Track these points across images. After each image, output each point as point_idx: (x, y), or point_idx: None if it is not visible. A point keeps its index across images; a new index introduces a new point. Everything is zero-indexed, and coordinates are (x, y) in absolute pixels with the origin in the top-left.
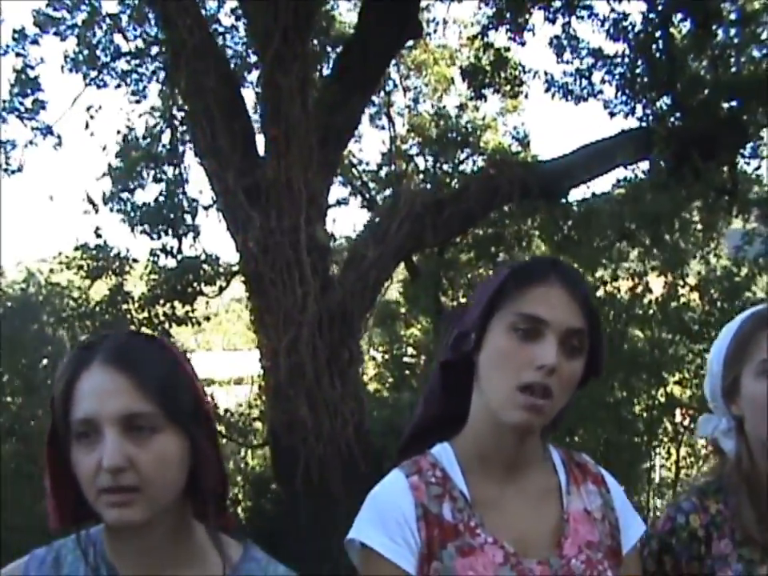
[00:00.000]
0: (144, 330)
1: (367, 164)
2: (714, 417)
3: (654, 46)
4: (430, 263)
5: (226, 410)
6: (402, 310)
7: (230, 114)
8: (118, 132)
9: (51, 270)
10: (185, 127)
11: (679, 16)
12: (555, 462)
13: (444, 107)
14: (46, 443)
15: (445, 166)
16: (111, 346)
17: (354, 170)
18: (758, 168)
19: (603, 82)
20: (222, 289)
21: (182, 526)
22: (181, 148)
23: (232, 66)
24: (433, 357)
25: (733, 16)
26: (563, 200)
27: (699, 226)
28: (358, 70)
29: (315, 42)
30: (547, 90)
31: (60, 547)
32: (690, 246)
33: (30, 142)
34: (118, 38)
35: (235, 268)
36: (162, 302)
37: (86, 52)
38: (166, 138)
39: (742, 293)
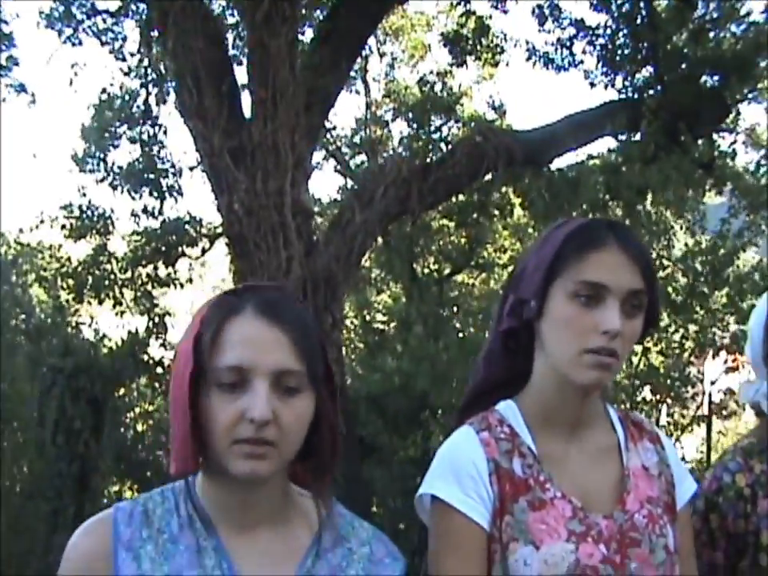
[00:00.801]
0: (126, 290)
1: (342, 129)
2: (755, 381)
3: (636, 18)
4: (403, 229)
5: None
6: (373, 276)
7: (217, 74)
8: (104, 91)
9: (21, 230)
10: (160, 87)
11: None
12: (613, 420)
13: (431, 72)
14: (186, 387)
15: (421, 133)
16: (261, 298)
17: (328, 134)
18: (734, 143)
19: (584, 52)
20: (204, 251)
21: (283, 484)
22: (156, 109)
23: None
24: (404, 324)
25: None
26: (547, 169)
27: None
28: (343, 33)
29: (302, 3)
30: (528, 59)
31: (146, 501)
32: (676, 219)
33: (3, 100)
34: None
35: (219, 230)
36: (144, 263)
37: (61, 9)
38: (141, 98)
39: (726, 267)
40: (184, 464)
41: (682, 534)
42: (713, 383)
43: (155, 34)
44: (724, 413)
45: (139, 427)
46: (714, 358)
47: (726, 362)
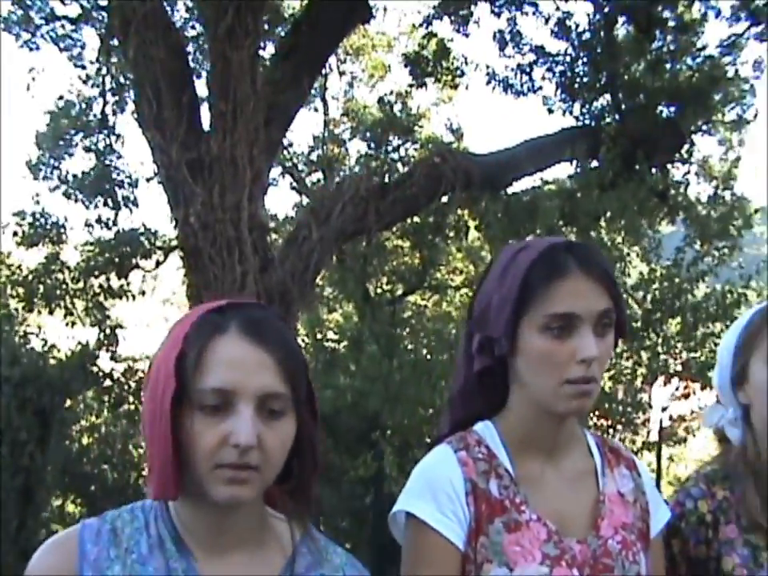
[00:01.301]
0: (78, 301)
1: (299, 146)
2: (719, 407)
3: (596, 47)
4: (357, 248)
5: None
6: (326, 294)
7: (177, 86)
8: (60, 98)
9: None
10: (117, 97)
11: (622, 19)
12: (590, 445)
13: (391, 92)
14: (169, 408)
15: (379, 152)
16: (246, 316)
17: (285, 151)
18: (687, 173)
19: (543, 78)
20: (158, 263)
21: (258, 507)
22: (112, 118)
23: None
24: (356, 343)
25: (672, 23)
26: (504, 192)
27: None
28: (305, 50)
29: (265, 18)
30: (488, 83)
31: (114, 519)
32: (630, 247)
33: None
34: (54, 2)
35: (174, 243)
36: (97, 273)
37: (19, 12)
38: (98, 106)
39: (682, 295)
40: (163, 489)
41: (656, 562)
42: (664, 410)
43: (115, 42)
44: (674, 439)
45: (84, 440)
46: (665, 384)
47: (677, 389)
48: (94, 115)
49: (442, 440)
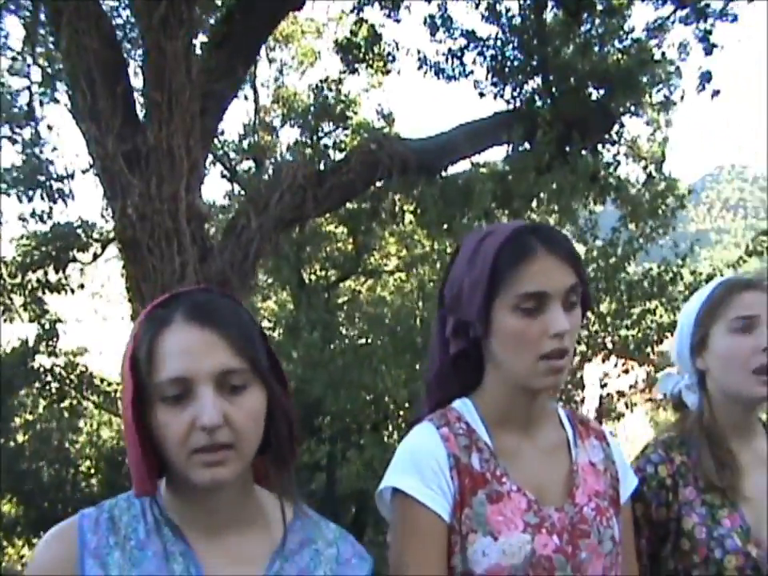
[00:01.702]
0: (15, 296)
1: (230, 134)
2: (674, 375)
3: (526, 31)
4: (291, 236)
5: (102, 379)
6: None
7: (111, 76)
8: None
9: None
10: (46, 87)
11: (552, 3)
12: (562, 418)
13: (326, 79)
14: (130, 408)
15: (311, 139)
16: (190, 303)
17: (215, 139)
18: (617, 154)
19: (474, 62)
20: (96, 256)
21: (247, 485)
22: (39, 110)
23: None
24: (293, 330)
25: (600, 7)
26: (440, 177)
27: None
28: (239, 38)
29: (198, 7)
30: (419, 68)
31: (112, 508)
32: (563, 227)
33: None
34: None
35: (111, 235)
36: (34, 268)
37: None
38: (24, 98)
39: (617, 273)
40: (142, 485)
41: (626, 527)
42: (603, 386)
43: (42, 32)
44: (612, 415)
45: (20, 438)
46: (603, 362)
47: (615, 365)
48: (20, 107)
49: (421, 420)
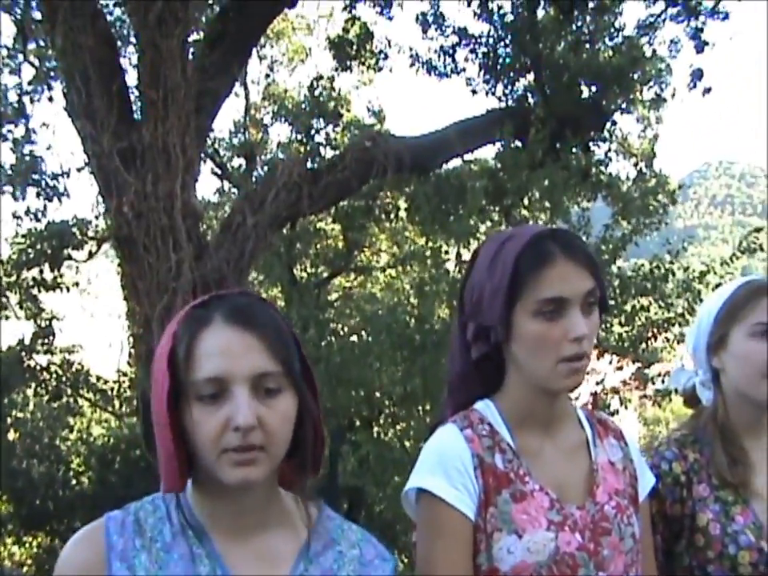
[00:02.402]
0: (11, 294)
1: (220, 131)
2: (686, 370)
3: (519, 28)
4: (282, 233)
5: (98, 377)
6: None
7: (107, 74)
8: None
9: None
10: (36, 86)
11: (544, 1)
12: (581, 418)
13: (320, 77)
14: (165, 404)
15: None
16: (230, 305)
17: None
18: (609, 151)
19: (467, 60)
20: (91, 254)
21: (273, 488)
22: (30, 107)
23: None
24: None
25: (591, 5)
26: (433, 174)
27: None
28: (233, 36)
29: (192, 6)
30: (411, 66)
31: (137, 510)
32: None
33: None
34: None
35: (106, 233)
36: (29, 266)
37: None
38: (15, 95)
39: (609, 267)
40: (172, 482)
41: (644, 524)
42: (598, 383)
43: (34, 28)
44: (606, 411)
45: (11, 435)
46: (598, 359)
47: (610, 362)
48: (11, 104)
49: (445, 421)
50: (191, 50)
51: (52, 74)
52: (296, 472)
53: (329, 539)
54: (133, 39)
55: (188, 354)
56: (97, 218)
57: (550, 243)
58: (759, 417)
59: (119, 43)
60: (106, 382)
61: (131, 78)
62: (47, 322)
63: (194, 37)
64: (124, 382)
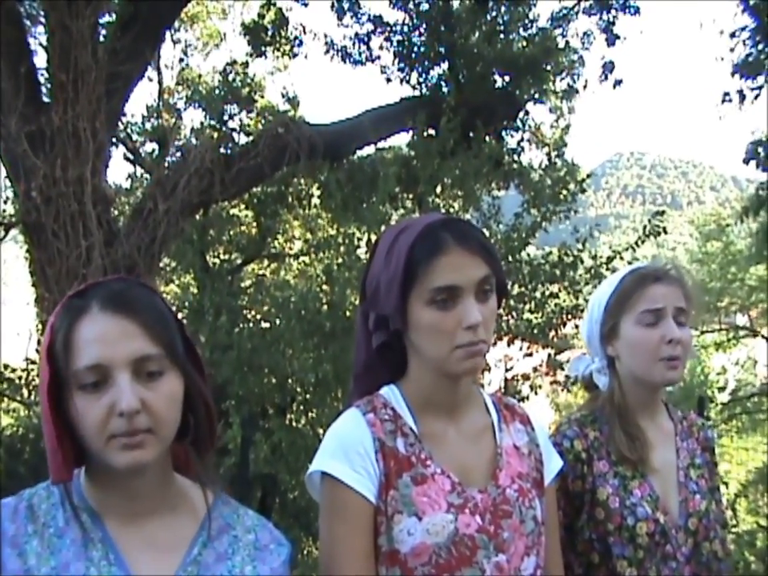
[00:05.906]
0: None
1: (132, 116)
2: (584, 358)
3: (434, 17)
4: (194, 219)
5: (6, 366)
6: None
7: (14, 55)
8: None
9: None
10: None
11: None
12: (487, 403)
13: (234, 62)
14: (46, 397)
15: (216, 123)
16: (106, 292)
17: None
18: (521, 141)
19: (381, 48)
20: None
21: (165, 471)
22: None
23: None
24: (197, 314)
25: None
26: (346, 161)
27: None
28: (146, 19)
29: None
30: (326, 53)
31: (31, 496)
32: (464, 211)
33: None
34: None
35: (14, 218)
36: None
37: None
38: None
39: (518, 252)
40: (58, 474)
41: (549, 507)
42: (508, 370)
43: None
44: (517, 398)
45: None
46: (509, 345)
47: (520, 348)
48: None
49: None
50: (103, 31)
51: None
52: (191, 453)
53: (224, 524)
54: (42, 19)
55: (66, 345)
56: (5, 202)
57: (443, 232)
58: (653, 397)
59: (28, 23)
60: (14, 370)
61: (40, 59)
62: None
63: (105, 18)
64: (33, 370)
